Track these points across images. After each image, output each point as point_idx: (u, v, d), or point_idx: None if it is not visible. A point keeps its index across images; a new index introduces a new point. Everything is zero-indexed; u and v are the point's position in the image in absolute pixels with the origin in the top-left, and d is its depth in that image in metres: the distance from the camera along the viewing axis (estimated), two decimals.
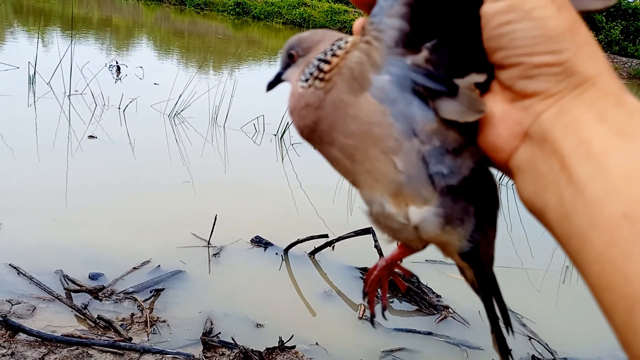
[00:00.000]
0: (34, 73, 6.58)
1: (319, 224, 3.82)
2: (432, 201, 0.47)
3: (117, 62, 8.34)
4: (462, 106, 0.44)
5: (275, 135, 6.25)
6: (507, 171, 0.45)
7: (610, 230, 0.34)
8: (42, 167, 4.28)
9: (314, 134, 0.51)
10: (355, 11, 25.40)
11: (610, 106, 0.38)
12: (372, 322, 0.70)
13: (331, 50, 0.51)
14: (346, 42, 0.50)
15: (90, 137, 5.14)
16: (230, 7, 25.59)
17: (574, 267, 0.38)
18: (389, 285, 0.61)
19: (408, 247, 0.55)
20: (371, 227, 3.34)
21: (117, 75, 8.08)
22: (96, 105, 6.24)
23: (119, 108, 6.18)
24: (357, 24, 0.52)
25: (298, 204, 4.36)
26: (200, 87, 6.79)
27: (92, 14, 18.12)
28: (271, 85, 0.62)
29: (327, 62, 0.50)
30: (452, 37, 0.45)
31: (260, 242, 3.51)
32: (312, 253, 3.48)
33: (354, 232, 3.36)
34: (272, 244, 3.52)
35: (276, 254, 3.46)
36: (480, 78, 0.44)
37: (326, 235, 3.43)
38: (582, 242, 0.36)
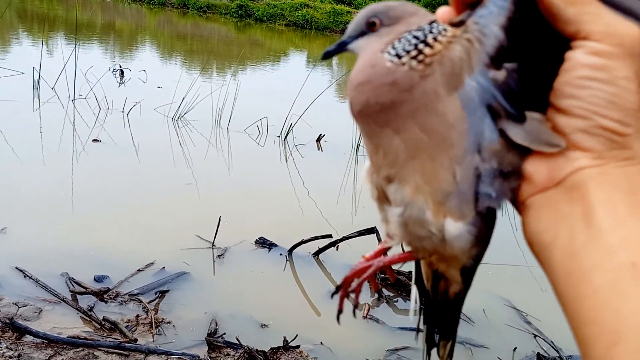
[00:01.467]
0: (39, 78, 6.62)
1: (323, 225, 3.83)
2: (468, 218, 0.47)
3: (120, 66, 8.38)
4: (530, 134, 0.44)
5: (279, 136, 6.26)
6: (521, 203, 0.46)
7: (614, 273, 0.38)
8: (47, 171, 4.31)
9: (383, 114, 0.46)
10: (357, 12, 25.37)
11: None
12: (337, 318, 0.61)
13: (431, 32, 0.46)
14: (445, 30, 0.47)
15: (95, 140, 5.17)
16: (232, 10, 25.65)
17: (561, 301, 0.42)
18: (399, 283, 0.60)
19: (410, 254, 0.54)
20: (375, 227, 3.34)
21: (121, 79, 8.12)
22: (100, 109, 6.27)
23: (122, 112, 6.21)
24: (442, 13, 0.50)
25: (302, 204, 4.37)
26: (203, 90, 6.82)
27: (95, 18, 18.21)
28: (330, 54, 0.55)
29: (428, 44, 0.45)
30: (528, 67, 0.45)
31: (264, 243, 3.52)
32: (317, 253, 3.49)
33: (357, 232, 3.36)
34: (276, 245, 3.53)
35: (280, 254, 3.47)
36: (540, 117, 0.44)
37: (330, 236, 3.44)
38: (581, 279, 0.40)
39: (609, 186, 0.41)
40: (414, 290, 0.61)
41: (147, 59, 11.77)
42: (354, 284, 0.57)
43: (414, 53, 0.45)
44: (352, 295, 0.59)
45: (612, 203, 0.41)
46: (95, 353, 2.29)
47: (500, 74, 0.45)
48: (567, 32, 0.43)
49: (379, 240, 3.35)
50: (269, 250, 3.50)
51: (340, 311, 0.59)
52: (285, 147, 6.05)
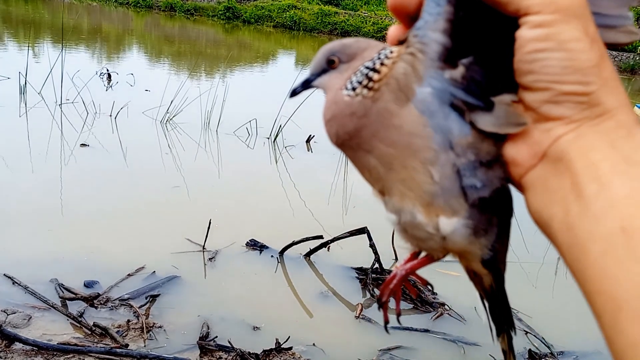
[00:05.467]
0: (25, 83, 6.56)
1: (314, 226, 3.83)
2: (462, 212, 0.49)
3: (107, 70, 8.33)
4: (499, 119, 0.46)
5: (269, 138, 6.25)
6: (518, 185, 0.48)
7: (607, 240, 0.39)
8: (35, 177, 4.27)
9: (352, 141, 0.51)
10: (345, 12, 25.45)
11: (623, 136, 0.42)
12: (386, 329, 0.68)
13: (379, 59, 0.51)
14: (391, 52, 0.51)
15: (83, 145, 5.13)
16: (220, 12, 25.57)
17: (571, 274, 0.43)
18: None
19: (428, 257, 0.56)
20: (366, 227, 3.35)
21: (108, 83, 8.07)
22: (88, 113, 6.23)
23: (110, 115, 6.17)
24: (392, 32, 0.54)
25: (293, 205, 4.37)
26: (192, 93, 6.80)
27: (81, 22, 18.08)
28: (296, 92, 0.60)
29: (376, 71, 0.50)
30: (486, 56, 0.47)
31: (255, 245, 3.51)
32: (308, 255, 3.49)
33: (349, 232, 3.37)
34: (267, 247, 3.53)
35: (272, 256, 3.46)
36: (512, 98, 0.46)
37: (321, 237, 3.44)
38: (580, 250, 0.40)
39: (588, 149, 0.42)
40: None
41: (135, 62, 11.70)
42: (384, 297, 0.60)
43: (365, 82, 0.50)
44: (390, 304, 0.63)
45: (595, 166, 0.41)
46: (86, 359, 2.27)
47: (458, 72, 0.47)
48: (510, 12, 0.44)
49: (370, 239, 3.37)
50: (260, 253, 3.49)
51: (387, 322, 0.63)
52: (275, 149, 6.04)
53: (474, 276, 0.57)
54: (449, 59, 0.47)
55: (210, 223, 3.42)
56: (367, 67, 0.51)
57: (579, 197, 0.41)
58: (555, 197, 0.43)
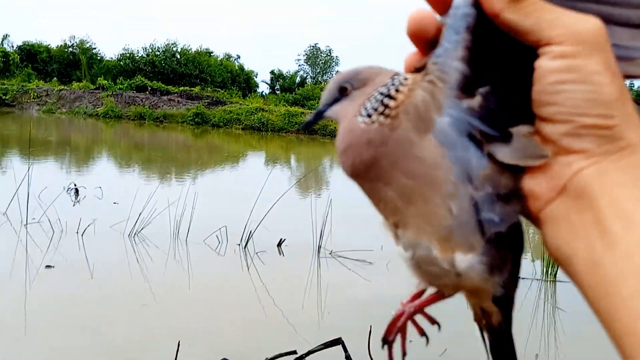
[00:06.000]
0: None
1: (288, 334, 3.73)
2: (478, 249, 0.47)
3: (75, 185, 8.32)
4: (518, 151, 0.45)
5: (239, 244, 6.22)
6: (535, 219, 0.46)
7: (638, 279, 0.37)
8: None
9: (370, 172, 0.49)
10: (311, 112, 26.43)
11: None
12: None
13: (393, 85, 0.49)
14: (406, 79, 0.49)
15: (48, 267, 5.00)
16: (189, 118, 26.28)
17: (596, 314, 0.41)
18: None
19: (438, 294, 0.53)
20: (340, 338, 3.27)
21: (76, 198, 8.04)
22: (54, 232, 6.14)
23: (77, 232, 6.08)
24: (409, 60, 0.52)
25: (267, 313, 4.27)
26: (161, 200, 6.79)
27: (50, 135, 18.30)
28: (310, 124, 0.58)
29: (391, 97, 0.48)
30: (504, 85, 0.46)
31: None
32: None
33: (323, 344, 3.28)
34: None
35: None
36: (528, 129, 0.45)
37: (294, 352, 3.33)
38: (608, 289, 0.39)
39: (611, 185, 0.41)
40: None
41: (104, 173, 11.75)
42: (391, 335, 0.56)
43: (381, 109, 0.48)
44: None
45: (619, 203, 0.40)
46: None
47: (476, 101, 0.46)
48: (530, 42, 0.44)
49: (345, 351, 3.28)
50: None
51: None
52: (246, 255, 5.99)
53: (482, 314, 0.54)
54: (467, 88, 0.46)
55: (179, 345, 3.29)
56: (382, 94, 0.49)
57: (603, 234, 0.40)
58: (577, 233, 0.42)
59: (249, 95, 39.83)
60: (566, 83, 0.42)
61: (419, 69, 0.49)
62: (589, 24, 0.42)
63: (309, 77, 52.55)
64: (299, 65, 53.72)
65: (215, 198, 8.43)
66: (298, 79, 49.60)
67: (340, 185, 9.25)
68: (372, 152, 0.47)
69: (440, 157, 0.46)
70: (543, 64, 0.43)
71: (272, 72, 49.62)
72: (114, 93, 28.74)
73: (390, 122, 0.47)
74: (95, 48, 43.41)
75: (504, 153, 0.45)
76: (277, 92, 46.90)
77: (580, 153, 0.42)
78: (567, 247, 0.42)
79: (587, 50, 0.42)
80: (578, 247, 0.41)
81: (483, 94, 0.46)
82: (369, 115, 0.48)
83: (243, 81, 45.87)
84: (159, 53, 39.46)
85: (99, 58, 42.42)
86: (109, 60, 40.66)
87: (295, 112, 26.20)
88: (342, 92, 0.53)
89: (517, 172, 0.46)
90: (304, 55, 53.53)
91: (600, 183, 0.41)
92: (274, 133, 25.11)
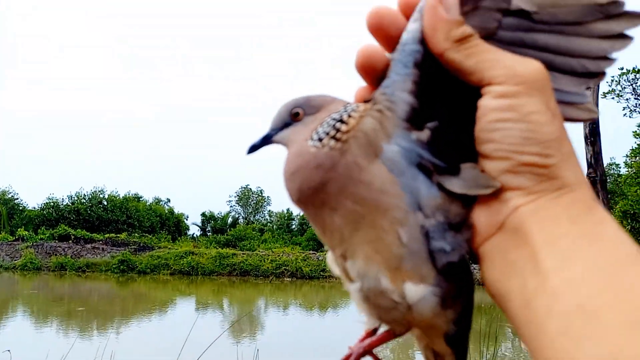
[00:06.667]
0: None
1: None
2: (429, 279, 0.46)
3: None
4: (467, 182, 0.45)
5: None
6: (475, 254, 0.46)
7: (564, 319, 0.37)
8: None
9: (317, 196, 0.47)
10: (243, 253, 26.18)
11: (583, 212, 0.42)
12: None
13: (345, 111, 0.49)
14: (358, 107, 0.49)
15: None
16: (114, 266, 25.26)
17: (528, 350, 0.41)
18: None
19: (388, 333, 0.51)
20: None
21: None
22: None
23: None
24: (359, 93, 0.53)
25: None
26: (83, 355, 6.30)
27: None
28: (255, 148, 0.56)
29: (343, 122, 0.48)
30: (451, 122, 0.47)
31: None
32: None
33: None
34: None
35: None
36: (473, 166, 0.46)
37: None
38: (538, 328, 0.39)
39: (548, 222, 0.41)
40: None
41: (16, 334, 10.83)
42: None
43: (332, 133, 0.48)
44: None
45: (554, 241, 0.40)
46: None
47: (424, 134, 0.47)
48: (473, 81, 0.45)
49: None
50: None
51: None
52: None
53: (433, 357, 0.52)
54: (414, 120, 0.47)
55: None
56: (334, 119, 0.49)
57: (536, 272, 0.40)
58: (513, 270, 0.42)
59: (179, 238, 39.31)
60: (505, 121, 0.43)
61: (368, 101, 0.50)
62: (530, 66, 0.44)
63: (240, 217, 52.97)
64: (231, 206, 54.34)
65: (139, 349, 7.95)
66: (230, 220, 49.74)
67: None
68: (320, 176, 0.47)
69: (389, 183, 0.46)
70: (484, 102, 0.44)
71: (203, 214, 49.62)
72: (34, 244, 27.51)
73: (341, 147, 0.47)
74: (17, 198, 42.26)
75: (452, 183, 0.46)
76: (209, 234, 46.64)
77: (519, 190, 0.43)
78: (502, 283, 0.43)
79: (527, 90, 0.43)
80: (513, 284, 0.42)
81: (431, 128, 0.47)
82: (320, 139, 0.48)
83: (173, 224, 45.40)
84: (84, 201, 38.80)
85: (20, 208, 41.10)
86: (31, 210, 39.40)
87: (227, 254, 25.91)
88: (295, 117, 0.53)
89: (467, 202, 0.46)
90: (235, 197, 54.42)
91: (537, 220, 0.41)
92: (204, 276, 24.48)
